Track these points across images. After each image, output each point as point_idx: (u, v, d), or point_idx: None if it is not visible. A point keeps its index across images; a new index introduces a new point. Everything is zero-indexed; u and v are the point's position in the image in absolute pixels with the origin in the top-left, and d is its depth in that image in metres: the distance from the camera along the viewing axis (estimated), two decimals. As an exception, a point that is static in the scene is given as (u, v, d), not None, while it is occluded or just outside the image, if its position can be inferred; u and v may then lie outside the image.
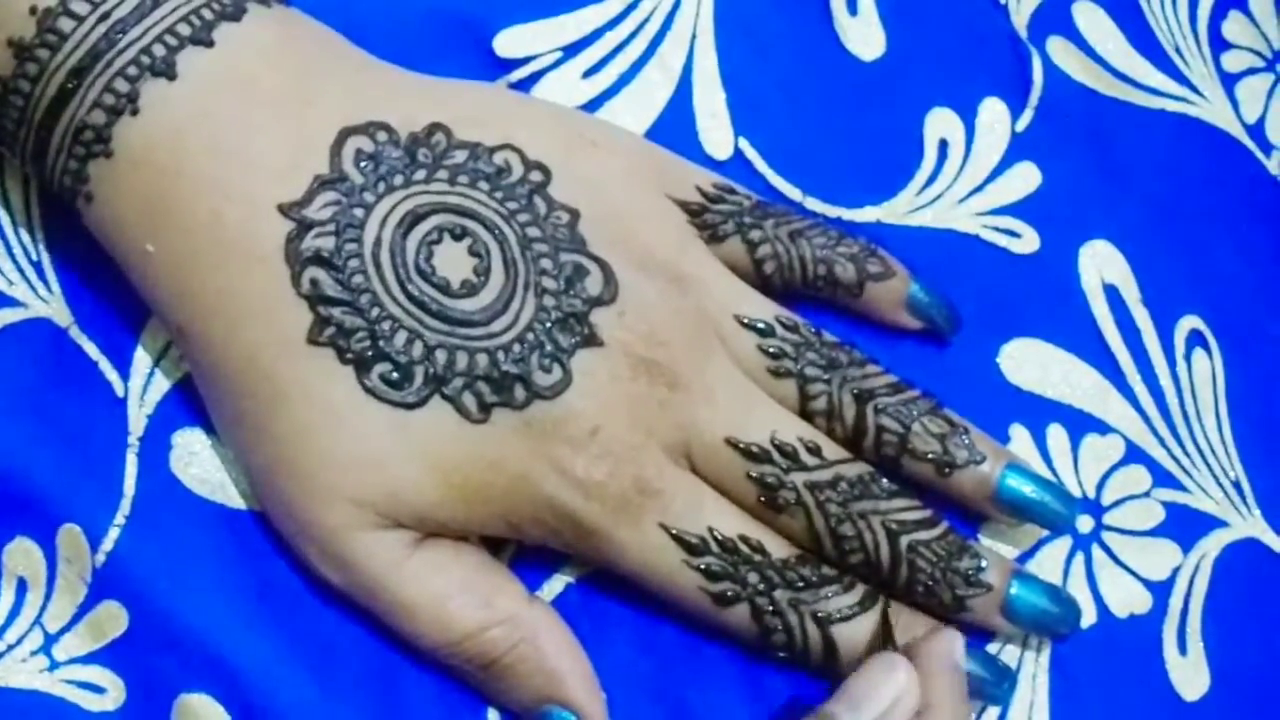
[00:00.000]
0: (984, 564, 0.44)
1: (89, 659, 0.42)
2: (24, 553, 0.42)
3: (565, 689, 0.42)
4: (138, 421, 0.44)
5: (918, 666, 0.41)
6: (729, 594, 0.42)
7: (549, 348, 0.41)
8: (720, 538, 0.42)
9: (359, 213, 0.41)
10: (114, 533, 0.42)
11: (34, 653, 0.42)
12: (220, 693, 0.42)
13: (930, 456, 0.44)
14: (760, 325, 0.44)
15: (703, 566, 0.42)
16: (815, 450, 0.43)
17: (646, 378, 0.42)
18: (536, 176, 0.43)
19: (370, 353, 0.40)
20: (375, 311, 0.40)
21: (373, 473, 0.40)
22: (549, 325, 0.41)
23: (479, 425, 0.41)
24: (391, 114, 0.43)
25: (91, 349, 0.44)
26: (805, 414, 0.44)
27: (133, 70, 0.41)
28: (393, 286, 0.41)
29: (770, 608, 0.42)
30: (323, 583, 0.42)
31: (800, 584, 0.42)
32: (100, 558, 0.42)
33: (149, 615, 0.42)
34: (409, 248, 0.41)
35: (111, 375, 0.44)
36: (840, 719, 0.40)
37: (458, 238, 0.42)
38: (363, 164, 0.42)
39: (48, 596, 0.42)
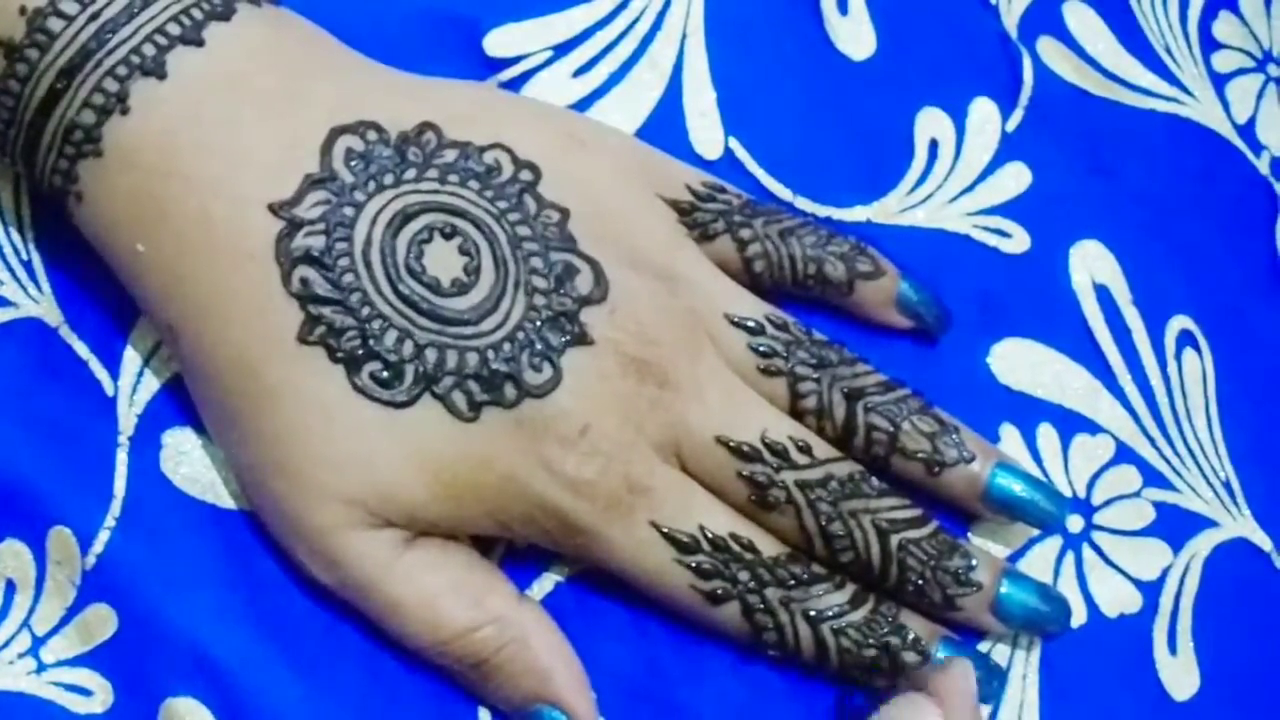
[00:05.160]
0: (974, 563, 0.44)
1: (77, 661, 0.42)
2: (13, 554, 0.42)
3: (555, 689, 0.42)
4: (128, 421, 0.43)
5: (941, 701, 0.41)
6: (720, 592, 0.42)
7: (539, 346, 0.41)
8: (711, 536, 0.42)
9: (349, 212, 0.41)
10: (104, 535, 0.42)
11: (21, 655, 0.42)
12: (208, 695, 0.41)
13: (920, 455, 0.44)
14: (750, 324, 0.44)
15: (694, 565, 0.42)
16: (806, 449, 0.43)
17: (636, 376, 0.42)
18: (526, 176, 0.43)
19: (360, 351, 0.40)
20: (366, 310, 0.40)
21: (363, 472, 0.40)
22: (539, 324, 0.41)
23: (469, 424, 0.41)
24: (381, 113, 0.42)
25: (81, 348, 0.44)
26: (795, 413, 0.44)
27: (123, 70, 0.40)
28: (383, 285, 0.41)
29: (761, 606, 0.42)
30: (313, 583, 0.42)
31: (791, 582, 0.42)
32: (90, 560, 0.42)
33: (138, 618, 0.42)
34: (399, 247, 0.41)
35: (101, 374, 0.44)
36: None
37: (448, 236, 0.42)
38: (353, 163, 0.41)
39: (36, 598, 0.42)
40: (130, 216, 0.41)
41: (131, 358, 0.44)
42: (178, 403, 0.44)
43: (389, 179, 0.42)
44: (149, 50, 0.41)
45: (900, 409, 0.44)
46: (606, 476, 0.41)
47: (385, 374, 0.40)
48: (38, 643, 0.42)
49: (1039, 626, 0.45)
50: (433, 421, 0.40)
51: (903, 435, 0.44)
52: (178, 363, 0.43)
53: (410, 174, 0.42)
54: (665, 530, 0.42)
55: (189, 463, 0.43)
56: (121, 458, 0.43)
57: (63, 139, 0.41)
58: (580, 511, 0.41)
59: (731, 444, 0.43)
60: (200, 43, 0.41)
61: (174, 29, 0.41)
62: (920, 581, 0.43)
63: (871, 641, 0.43)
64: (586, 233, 0.43)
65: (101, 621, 0.42)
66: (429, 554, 0.42)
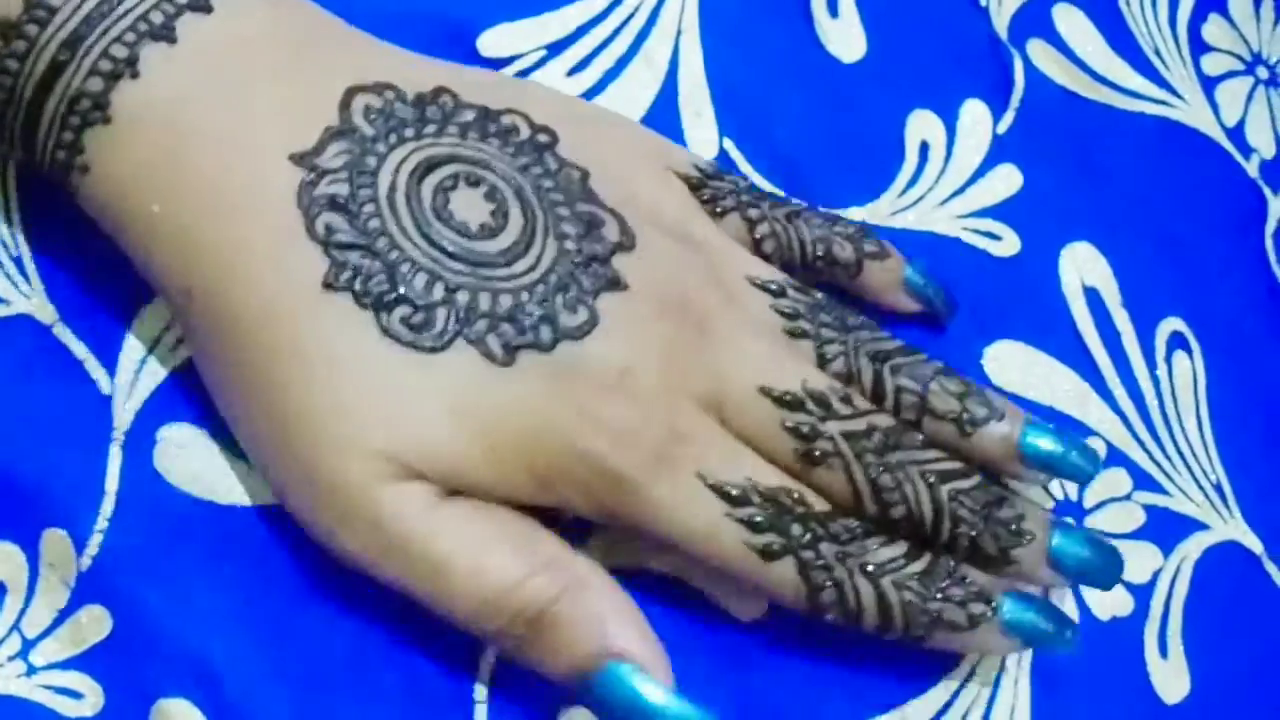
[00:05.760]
0: (1024, 513, 0.42)
1: (67, 664, 0.41)
2: (5, 556, 0.41)
3: (622, 639, 0.39)
4: (122, 418, 0.43)
5: None
6: (775, 547, 0.40)
7: (573, 290, 0.40)
8: (762, 488, 0.41)
9: (372, 161, 0.40)
10: (98, 535, 0.42)
11: (11, 658, 0.41)
12: (200, 697, 0.41)
13: (951, 415, 0.43)
14: (773, 286, 0.44)
15: (745, 518, 0.40)
16: (847, 399, 0.42)
17: (675, 320, 0.41)
18: (544, 138, 0.43)
19: (389, 296, 0.39)
20: (394, 254, 0.39)
21: (396, 423, 0.39)
22: (572, 268, 0.40)
23: (505, 369, 0.39)
24: (397, 76, 0.42)
25: (76, 345, 0.43)
26: None
27: (131, 36, 0.40)
28: (410, 230, 0.40)
29: (819, 561, 0.41)
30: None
31: (846, 536, 0.41)
32: (85, 561, 0.41)
33: (132, 619, 0.41)
34: (424, 193, 0.40)
35: (97, 372, 0.43)
36: None
37: (473, 184, 0.41)
38: (372, 118, 0.41)
39: (27, 601, 0.41)
40: (143, 179, 0.40)
41: (128, 354, 0.43)
42: (174, 400, 0.43)
43: (410, 132, 0.41)
44: (157, 18, 0.40)
45: (925, 370, 0.44)
46: (649, 425, 0.40)
47: (416, 318, 0.39)
48: (28, 645, 0.41)
49: (1093, 577, 0.43)
50: (467, 367, 0.39)
51: (932, 396, 0.43)
52: (190, 338, 0.42)
53: (430, 129, 0.41)
54: (712, 482, 0.40)
55: (185, 460, 0.43)
56: (115, 454, 0.43)
57: (67, 109, 0.40)
58: (623, 463, 0.40)
59: (775, 393, 0.41)
60: (209, 9, 0.41)
61: None
62: (974, 534, 0.42)
63: (936, 594, 0.41)
64: (606, 192, 0.42)
65: (95, 623, 0.41)
66: (465, 507, 0.40)
